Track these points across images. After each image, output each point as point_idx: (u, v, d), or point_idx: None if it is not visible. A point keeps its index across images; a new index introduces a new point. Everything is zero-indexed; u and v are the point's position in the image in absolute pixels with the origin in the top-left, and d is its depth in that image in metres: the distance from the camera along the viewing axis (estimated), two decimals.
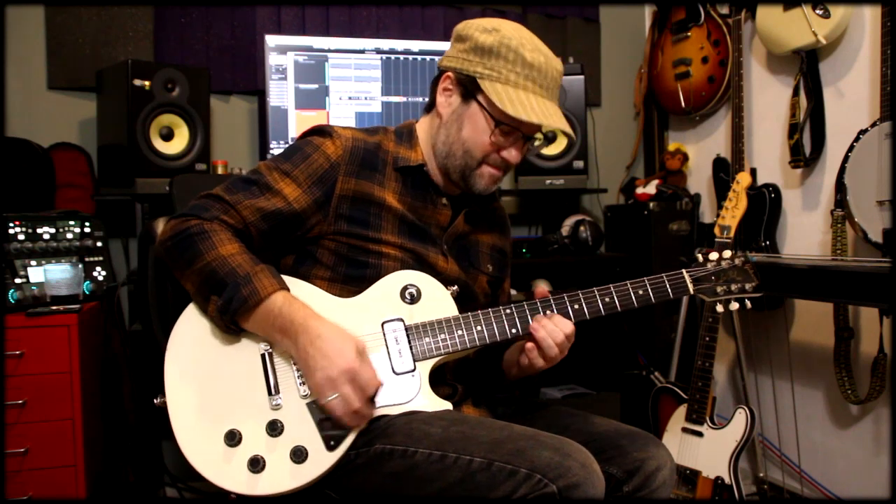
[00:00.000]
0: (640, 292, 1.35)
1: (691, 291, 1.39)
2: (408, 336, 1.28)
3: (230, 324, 1.23)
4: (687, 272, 1.39)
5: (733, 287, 1.40)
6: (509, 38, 1.29)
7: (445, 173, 1.40)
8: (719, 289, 1.40)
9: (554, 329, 1.29)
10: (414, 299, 1.30)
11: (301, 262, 1.37)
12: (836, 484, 2.44)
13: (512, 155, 1.35)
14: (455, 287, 1.34)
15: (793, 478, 2.57)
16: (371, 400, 1.20)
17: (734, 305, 1.42)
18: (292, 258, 1.39)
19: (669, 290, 1.37)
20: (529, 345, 1.31)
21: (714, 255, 1.42)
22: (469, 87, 1.33)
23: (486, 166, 1.36)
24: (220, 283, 1.22)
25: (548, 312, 1.32)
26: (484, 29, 1.32)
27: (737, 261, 1.41)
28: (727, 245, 2.14)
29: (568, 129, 1.33)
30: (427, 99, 1.45)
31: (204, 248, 1.24)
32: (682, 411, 2.34)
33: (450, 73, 1.36)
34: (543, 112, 1.29)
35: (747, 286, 1.40)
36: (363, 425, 1.21)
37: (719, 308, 1.45)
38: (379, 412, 1.23)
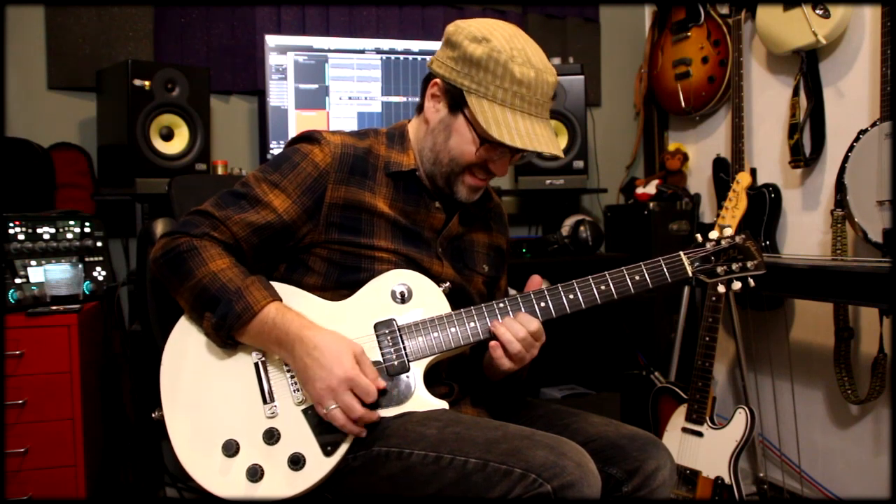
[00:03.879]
0: (637, 278, 1.30)
1: (689, 273, 1.32)
2: (400, 336, 1.27)
3: (226, 339, 1.23)
4: (684, 254, 1.33)
5: (734, 266, 1.34)
6: (498, 52, 1.24)
7: (432, 178, 1.38)
8: (719, 269, 1.34)
9: (513, 324, 1.26)
10: (405, 298, 1.29)
11: (293, 269, 1.36)
12: (836, 484, 2.44)
13: (498, 168, 1.34)
14: (447, 284, 1.33)
15: (793, 478, 2.57)
16: (374, 405, 1.19)
17: (736, 285, 1.35)
18: (284, 266, 1.38)
19: (667, 273, 1.31)
20: (493, 343, 1.28)
21: (714, 235, 1.36)
22: (456, 99, 1.31)
23: (470, 176, 1.34)
24: (213, 300, 1.22)
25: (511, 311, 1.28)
26: (474, 38, 1.27)
27: (737, 239, 1.35)
28: None
29: (555, 152, 1.29)
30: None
31: (194, 265, 1.24)
32: (682, 411, 2.34)
33: (437, 81, 1.34)
34: (529, 134, 1.26)
35: (749, 264, 1.34)
36: (364, 433, 1.19)
37: (721, 289, 1.39)
38: (378, 415, 1.22)
